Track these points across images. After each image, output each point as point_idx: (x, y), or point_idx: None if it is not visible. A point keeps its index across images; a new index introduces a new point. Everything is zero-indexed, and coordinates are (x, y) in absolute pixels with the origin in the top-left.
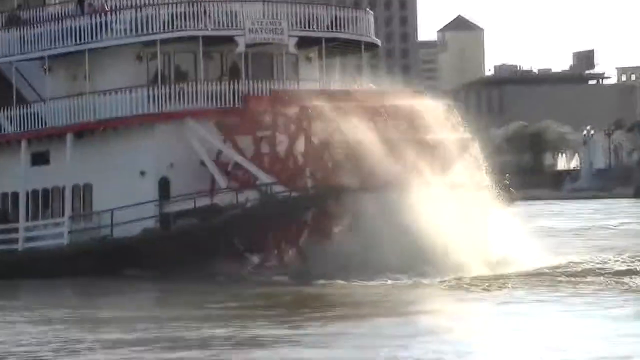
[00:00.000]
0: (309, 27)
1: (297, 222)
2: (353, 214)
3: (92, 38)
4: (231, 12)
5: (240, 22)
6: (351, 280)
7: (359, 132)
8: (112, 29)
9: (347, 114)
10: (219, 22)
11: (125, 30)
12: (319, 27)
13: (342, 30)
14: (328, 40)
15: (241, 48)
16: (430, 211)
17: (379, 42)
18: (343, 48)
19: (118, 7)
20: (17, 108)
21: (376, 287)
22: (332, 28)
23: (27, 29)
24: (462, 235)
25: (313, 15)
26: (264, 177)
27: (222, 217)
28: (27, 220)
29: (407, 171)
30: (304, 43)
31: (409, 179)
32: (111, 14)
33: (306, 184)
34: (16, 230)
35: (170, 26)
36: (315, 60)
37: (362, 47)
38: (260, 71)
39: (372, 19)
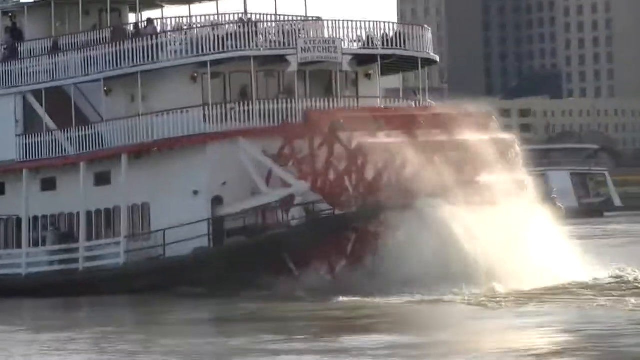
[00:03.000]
0: (368, 44)
1: (341, 239)
2: (394, 230)
3: (146, 60)
4: (285, 31)
5: (293, 41)
6: (392, 296)
7: (400, 147)
8: (166, 51)
9: (387, 130)
10: (272, 42)
11: (178, 51)
12: (375, 45)
13: (400, 47)
14: (384, 57)
15: (293, 67)
16: (471, 226)
17: (436, 57)
18: (401, 64)
19: (173, 28)
20: (77, 129)
21: (413, 303)
22: (389, 45)
23: (87, 51)
24: (503, 249)
25: (369, 32)
26: (310, 196)
27: (268, 234)
28: (89, 239)
29: (450, 186)
30: (363, 60)
31: (451, 195)
32: (165, 36)
33: (350, 201)
34: (77, 250)
35: (223, 47)
36: (375, 77)
37: (420, 63)
38: (317, 89)
39: (429, 35)
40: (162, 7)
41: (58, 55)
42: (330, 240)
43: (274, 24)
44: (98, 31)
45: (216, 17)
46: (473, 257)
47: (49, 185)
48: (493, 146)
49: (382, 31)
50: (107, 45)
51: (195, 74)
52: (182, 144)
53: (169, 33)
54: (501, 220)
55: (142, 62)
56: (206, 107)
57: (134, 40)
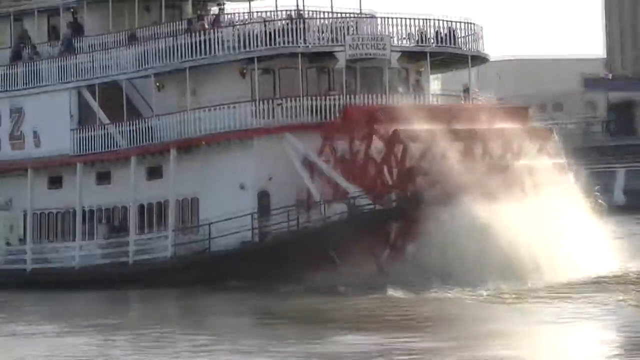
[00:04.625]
0: (420, 41)
1: (382, 233)
2: (433, 225)
3: (196, 55)
4: (334, 27)
5: (342, 37)
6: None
7: (438, 135)
8: (215, 47)
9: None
10: (321, 38)
11: (227, 47)
12: (427, 41)
13: (450, 44)
14: (434, 54)
15: (341, 63)
16: (510, 223)
17: (488, 55)
18: (452, 62)
19: (225, 24)
20: (129, 123)
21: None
22: (441, 42)
23: (140, 46)
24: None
25: (419, 28)
26: (352, 190)
27: (311, 228)
28: (141, 232)
29: (488, 177)
30: (413, 57)
31: (487, 191)
32: (214, 32)
33: (391, 196)
34: (127, 243)
35: (271, 43)
36: (426, 73)
37: (469, 60)
38: (367, 85)
39: (481, 32)
40: (222, 3)
41: (113, 51)
42: (371, 235)
43: (324, 21)
44: (173, 22)
45: (270, 13)
46: (510, 252)
47: (104, 178)
48: (532, 136)
49: (436, 28)
50: (159, 41)
51: (245, 70)
52: (229, 139)
53: (219, 29)
54: (538, 213)
55: (192, 57)
56: (254, 103)
57: (184, 35)
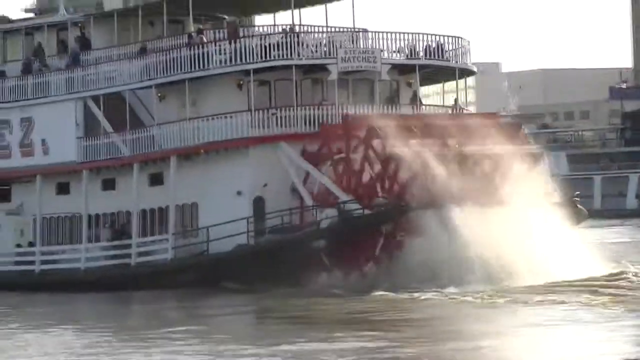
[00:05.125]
0: (410, 55)
1: (371, 237)
2: (419, 229)
3: (195, 68)
4: (326, 41)
5: (334, 51)
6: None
7: (425, 151)
8: (213, 60)
9: (414, 134)
10: (314, 52)
11: (225, 60)
12: (414, 55)
13: (438, 57)
14: (422, 67)
15: (333, 76)
16: (491, 226)
17: (474, 68)
18: (441, 75)
19: (219, 38)
20: (132, 132)
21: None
22: (430, 56)
23: (142, 59)
24: (519, 248)
25: (408, 43)
26: (342, 196)
27: (302, 232)
28: (143, 236)
29: (471, 188)
30: (404, 70)
31: (471, 196)
32: (213, 45)
33: (379, 201)
34: (130, 246)
35: (267, 56)
36: (416, 85)
37: (457, 73)
38: (359, 96)
39: (468, 46)
40: (223, 18)
41: (117, 63)
42: (360, 238)
43: (318, 35)
44: (182, 36)
45: (267, 28)
46: (487, 258)
47: (109, 184)
48: (520, 157)
49: (425, 42)
50: (160, 54)
51: (241, 82)
52: (227, 147)
53: (216, 43)
54: (516, 223)
55: (191, 70)
56: (250, 113)
57: (184, 49)
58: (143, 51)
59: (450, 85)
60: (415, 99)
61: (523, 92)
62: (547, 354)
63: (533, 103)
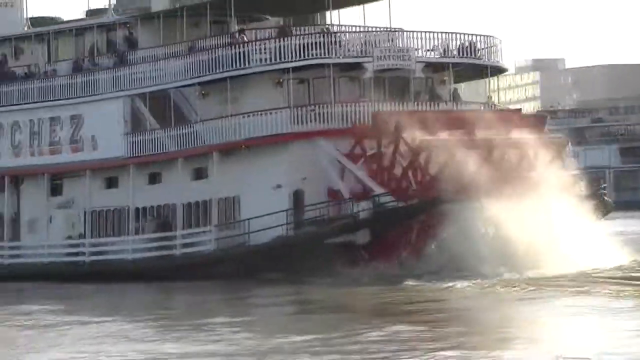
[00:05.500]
0: (444, 53)
1: (405, 228)
2: (451, 220)
3: (236, 67)
4: (363, 41)
5: (369, 50)
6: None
7: (454, 141)
8: (254, 59)
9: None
10: (351, 50)
11: (265, 59)
12: (448, 53)
13: (471, 56)
14: (455, 65)
15: (369, 74)
16: (517, 218)
17: (505, 66)
18: (474, 72)
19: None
20: (176, 128)
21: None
22: (463, 54)
23: (186, 58)
24: (547, 239)
25: (442, 42)
26: (377, 189)
27: (338, 224)
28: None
29: (499, 181)
30: (437, 68)
31: (498, 187)
32: (253, 45)
33: (412, 194)
34: (174, 237)
35: (304, 55)
36: (449, 82)
37: (489, 71)
38: (395, 93)
39: (500, 45)
40: (266, 19)
41: (162, 62)
42: (395, 230)
43: (355, 34)
44: (224, 36)
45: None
46: (517, 248)
47: (154, 179)
48: (546, 145)
49: (459, 41)
50: (202, 53)
51: (281, 80)
52: (266, 143)
53: (256, 42)
54: (543, 214)
55: (232, 68)
56: (289, 110)
57: (226, 48)
58: (191, 50)
59: (502, 82)
60: (456, 97)
61: (585, 87)
62: (582, 342)
63: (594, 97)
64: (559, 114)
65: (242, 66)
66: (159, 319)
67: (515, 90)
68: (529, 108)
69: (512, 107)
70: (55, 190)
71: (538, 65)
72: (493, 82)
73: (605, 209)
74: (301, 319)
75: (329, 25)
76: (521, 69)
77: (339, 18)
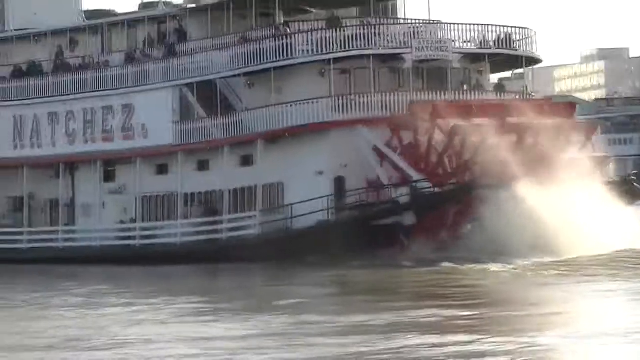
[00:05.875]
0: (480, 45)
1: (442, 213)
2: (486, 205)
3: (281, 57)
4: (402, 32)
5: (408, 41)
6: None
7: (492, 135)
8: (297, 50)
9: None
10: (390, 42)
11: (309, 50)
12: (485, 45)
13: (506, 47)
14: (491, 55)
15: (408, 64)
16: (549, 203)
17: (540, 56)
18: (509, 63)
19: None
20: (223, 117)
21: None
22: (499, 45)
23: (232, 49)
24: (578, 224)
25: (479, 33)
26: (414, 175)
27: (376, 209)
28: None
29: (530, 164)
30: (474, 59)
31: (530, 172)
32: (298, 36)
33: (448, 181)
34: (221, 222)
35: (347, 46)
36: (486, 72)
37: (523, 61)
38: (433, 83)
39: (535, 36)
40: (310, 11)
41: (209, 53)
42: (432, 215)
43: (395, 26)
44: (269, 28)
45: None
46: (547, 232)
47: (203, 165)
48: (577, 130)
49: (496, 33)
50: (248, 44)
51: (323, 70)
52: (309, 130)
53: (300, 34)
54: (573, 198)
55: (277, 59)
56: (331, 99)
57: (271, 39)
58: (244, 40)
59: (568, 71)
60: (500, 87)
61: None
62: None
63: None
64: (615, 102)
65: (287, 57)
66: (208, 301)
67: (581, 79)
68: (592, 96)
69: (577, 95)
70: (108, 177)
71: (603, 54)
72: (559, 71)
73: (634, 194)
74: (343, 301)
75: (369, 18)
76: (587, 58)
77: (381, 10)
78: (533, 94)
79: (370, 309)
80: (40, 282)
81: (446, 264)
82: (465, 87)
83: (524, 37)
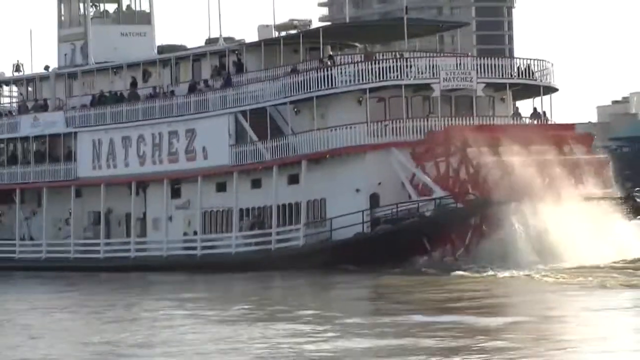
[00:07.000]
0: (499, 75)
1: (463, 226)
2: (503, 220)
3: (324, 87)
4: (431, 65)
5: (437, 72)
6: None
7: (508, 155)
8: (338, 80)
9: (499, 142)
10: (420, 73)
11: (348, 81)
12: (505, 75)
13: (526, 77)
14: (512, 85)
15: (436, 93)
16: (561, 218)
17: (556, 86)
18: (529, 91)
19: (342, 62)
20: (272, 140)
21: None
22: (520, 76)
23: (281, 80)
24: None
25: (500, 65)
26: (439, 192)
27: (405, 223)
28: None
29: (546, 186)
30: (498, 88)
31: (547, 193)
32: (338, 68)
33: (469, 197)
34: (270, 234)
35: (382, 77)
36: (508, 100)
37: (541, 90)
38: (460, 110)
39: (551, 67)
40: (356, 46)
41: (261, 84)
42: (454, 227)
43: (425, 59)
44: (314, 61)
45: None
46: (555, 245)
47: (256, 184)
48: (590, 164)
49: (516, 64)
50: (294, 75)
51: (361, 98)
52: (348, 152)
53: (341, 66)
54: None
55: (320, 88)
56: (367, 124)
57: (315, 71)
58: (294, 71)
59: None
60: (517, 114)
61: None
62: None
63: None
64: None
65: (329, 87)
66: (259, 306)
67: None
68: None
69: None
70: (175, 193)
71: None
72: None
73: (636, 210)
74: (374, 305)
75: (402, 51)
76: None
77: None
78: (550, 120)
79: (399, 313)
80: (135, 292)
81: (460, 272)
82: (490, 112)
83: (541, 68)
